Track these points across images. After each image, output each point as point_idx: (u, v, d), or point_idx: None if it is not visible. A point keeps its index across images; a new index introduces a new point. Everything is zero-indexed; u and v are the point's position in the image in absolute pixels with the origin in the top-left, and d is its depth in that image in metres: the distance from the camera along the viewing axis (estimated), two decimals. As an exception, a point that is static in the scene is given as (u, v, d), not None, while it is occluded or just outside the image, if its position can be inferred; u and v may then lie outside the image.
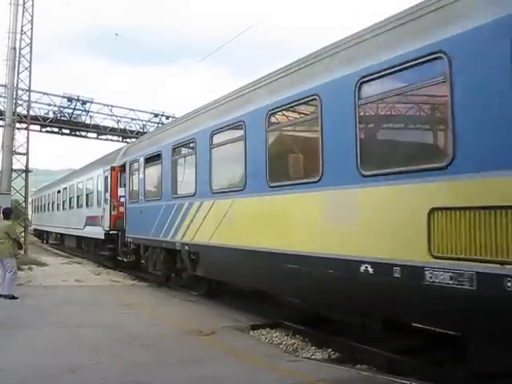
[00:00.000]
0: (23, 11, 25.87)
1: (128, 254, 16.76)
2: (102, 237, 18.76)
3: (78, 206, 24.06)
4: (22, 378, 5.66)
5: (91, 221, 20.61)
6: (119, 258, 18.80)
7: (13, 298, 11.06)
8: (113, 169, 18.03)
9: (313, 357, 7.26)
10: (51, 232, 34.41)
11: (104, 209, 18.57)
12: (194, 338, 7.74)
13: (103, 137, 37.44)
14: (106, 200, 18.55)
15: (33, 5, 26.41)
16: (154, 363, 6.27)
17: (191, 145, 11.09)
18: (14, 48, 24.96)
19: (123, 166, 16.63)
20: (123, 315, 9.52)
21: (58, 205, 29.93)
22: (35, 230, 42.10)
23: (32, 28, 26.44)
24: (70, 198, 26.03)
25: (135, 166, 14.84)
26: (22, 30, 25.93)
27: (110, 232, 17.96)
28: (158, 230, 12.44)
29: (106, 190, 18.67)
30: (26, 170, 27.41)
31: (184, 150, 11.80)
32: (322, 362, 6.92)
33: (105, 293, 12.74)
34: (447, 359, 6.48)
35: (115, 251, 18.43)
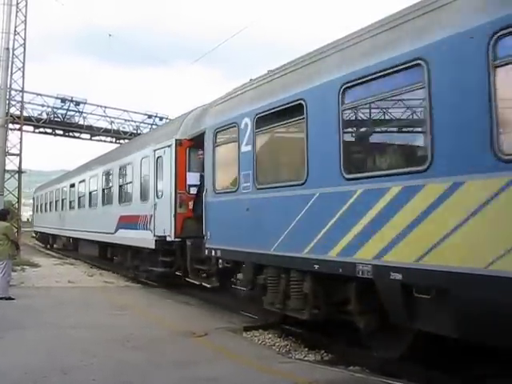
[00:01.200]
0: (16, 11, 25.93)
1: (210, 275, 10.79)
2: (152, 245, 12.93)
3: (104, 203, 18.02)
4: (14, 379, 5.64)
5: (128, 222, 14.90)
6: (187, 278, 12.47)
7: (9, 298, 11.06)
8: (179, 144, 12.02)
9: (305, 358, 7.27)
10: (59, 236, 27.78)
11: (155, 205, 12.81)
12: (186, 340, 7.73)
13: (96, 138, 37.49)
14: (158, 192, 12.86)
15: (26, 5, 26.50)
16: (146, 364, 6.27)
17: (414, 70, 5.54)
18: (8, 48, 24.91)
19: (195, 140, 11.56)
20: (116, 316, 9.49)
21: (70, 202, 23.89)
22: (37, 232, 36.57)
23: (25, 28, 26.54)
24: (91, 193, 19.92)
25: (229, 133, 9.28)
26: (15, 31, 25.97)
27: (169, 239, 12.04)
28: (297, 239, 7.30)
29: (158, 178, 12.93)
30: (19, 171, 27.41)
31: (379, 87, 6.13)
32: (315, 363, 6.93)
33: (98, 294, 12.69)
34: (438, 362, 6.53)
35: (174, 267, 12.75)
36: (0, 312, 9.66)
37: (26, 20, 26.34)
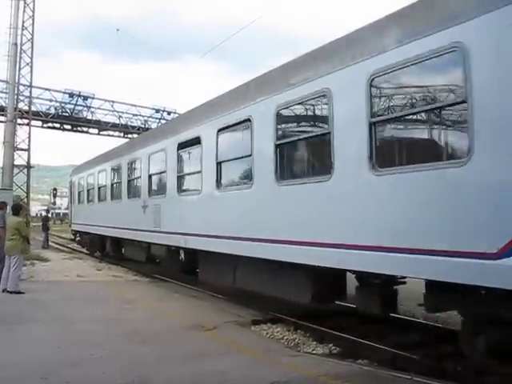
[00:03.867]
0: (24, 7, 26.03)
1: None
2: None
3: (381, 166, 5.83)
4: (24, 372, 5.67)
5: None
6: None
7: (19, 293, 11.14)
8: None
9: (314, 352, 7.26)
10: (138, 241, 14.67)
11: None
12: (195, 333, 7.75)
13: (104, 132, 37.58)
14: None
15: (34, 0, 26.49)
16: (155, 358, 6.29)
17: None
18: (16, 44, 25.06)
19: None
20: (125, 310, 9.53)
21: (178, 178, 11.49)
22: (77, 232, 24.82)
23: (33, 23, 26.65)
24: (281, 148, 7.73)
25: None
26: (23, 26, 26.07)
27: None
28: None
29: None
30: (28, 166, 27.60)
31: None
32: (324, 356, 6.92)
33: (107, 288, 12.74)
34: (447, 354, 6.51)
35: None
36: (10, 306, 9.74)
37: (33, 15, 26.44)
